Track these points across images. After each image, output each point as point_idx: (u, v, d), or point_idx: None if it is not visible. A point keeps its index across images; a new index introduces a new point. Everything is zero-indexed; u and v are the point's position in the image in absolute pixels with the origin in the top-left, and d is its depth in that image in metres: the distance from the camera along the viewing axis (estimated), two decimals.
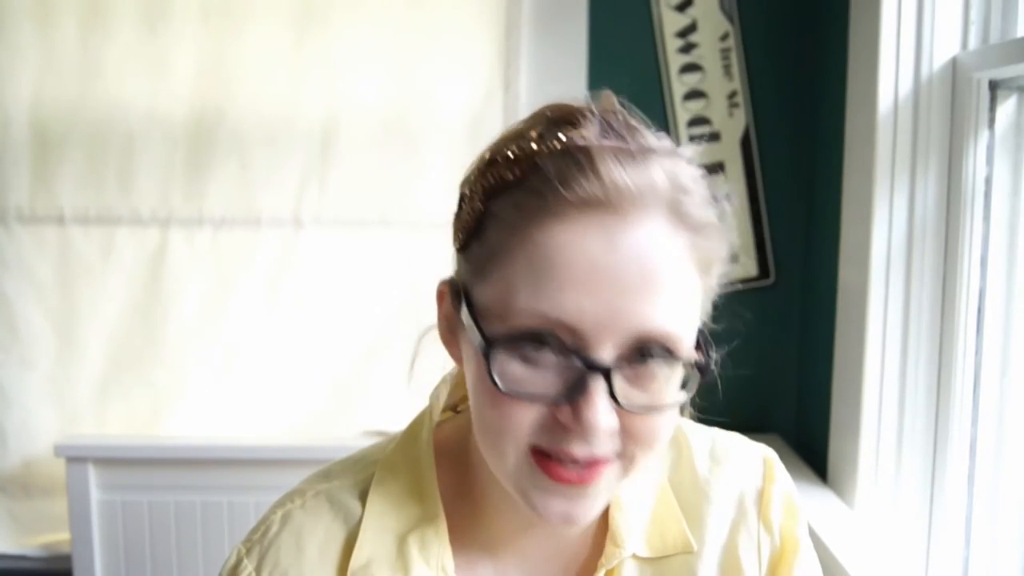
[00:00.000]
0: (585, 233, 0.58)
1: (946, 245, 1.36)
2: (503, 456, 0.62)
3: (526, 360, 0.59)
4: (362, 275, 1.80)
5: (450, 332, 0.68)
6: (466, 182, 0.67)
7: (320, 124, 1.77)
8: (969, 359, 1.32)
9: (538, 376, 0.59)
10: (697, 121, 1.75)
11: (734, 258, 0.67)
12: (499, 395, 0.59)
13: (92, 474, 1.74)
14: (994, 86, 1.29)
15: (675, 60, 1.74)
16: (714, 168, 1.76)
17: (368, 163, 1.78)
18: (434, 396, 0.76)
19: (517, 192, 0.61)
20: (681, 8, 1.73)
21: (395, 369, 1.80)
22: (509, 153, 0.62)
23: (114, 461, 1.75)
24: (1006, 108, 1.28)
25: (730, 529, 0.75)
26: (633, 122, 0.64)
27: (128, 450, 1.75)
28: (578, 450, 0.60)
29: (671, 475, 0.76)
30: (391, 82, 1.76)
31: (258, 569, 0.68)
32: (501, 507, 0.69)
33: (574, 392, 0.58)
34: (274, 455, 1.72)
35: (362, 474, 0.72)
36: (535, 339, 0.59)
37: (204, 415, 1.83)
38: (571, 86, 1.70)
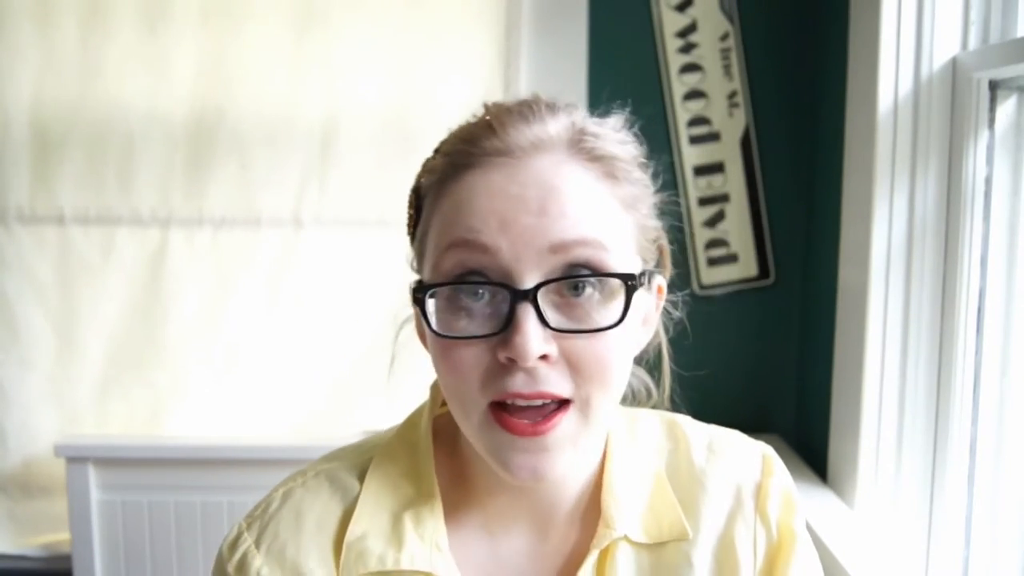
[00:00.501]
0: (487, 175, 0.64)
1: (946, 245, 1.36)
2: (468, 417, 0.65)
3: (461, 309, 0.63)
4: (362, 275, 1.80)
5: (419, 325, 0.72)
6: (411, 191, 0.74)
7: (320, 124, 1.77)
8: (969, 359, 1.32)
9: (472, 319, 0.63)
10: (697, 121, 1.75)
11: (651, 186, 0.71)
12: (444, 344, 0.63)
13: (92, 474, 1.74)
14: (994, 86, 1.29)
15: (675, 60, 1.74)
16: (714, 168, 1.76)
17: (368, 163, 1.78)
18: (434, 387, 0.78)
19: (436, 163, 0.68)
20: (681, 8, 1.73)
21: (395, 369, 1.80)
22: (442, 143, 0.70)
23: (114, 461, 1.75)
24: (1006, 108, 1.28)
25: (727, 520, 0.76)
26: (564, 103, 0.69)
27: (128, 450, 1.75)
28: (524, 387, 0.61)
29: (668, 465, 0.77)
30: (391, 82, 1.76)
31: (257, 542, 0.71)
32: (492, 488, 0.72)
33: (506, 324, 0.61)
34: (274, 455, 1.72)
35: (362, 457, 0.75)
36: (462, 278, 0.63)
37: (204, 415, 1.83)
38: (571, 86, 1.70)
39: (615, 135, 0.68)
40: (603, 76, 1.72)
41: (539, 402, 0.62)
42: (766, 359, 1.80)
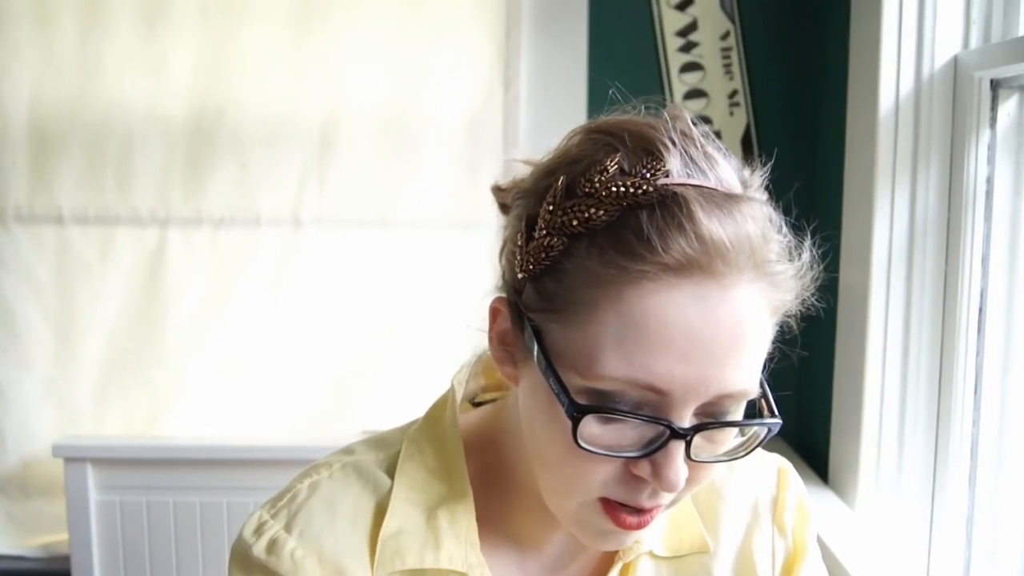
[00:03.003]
0: (681, 299, 0.56)
1: (947, 245, 1.35)
2: (568, 499, 0.63)
3: (607, 420, 0.58)
4: (361, 275, 1.80)
5: (506, 355, 0.66)
6: (527, 199, 0.64)
7: (319, 124, 1.77)
8: (970, 359, 1.32)
9: (617, 434, 0.59)
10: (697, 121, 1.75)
11: (800, 296, 0.66)
12: (577, 451, 0.59)
13: (90, 474, 1.73)
14: (995, 85, 1.28)
15: (675, 59, 1.74)
16: None
17: (368, 163, 1.78)
18: (457, 380, 0.76)
19: (606, 243, 0.58)
20: (682, 7, 1.73)
21: (395, 369, 1.80)
22: (592, 189, 0.59)
23: (113, 461, 1.74)
24: (1007, 107, 1.28)
25: (745, 533, 0.76)
26: (709, 148, 0.62)
27: (127, 450, 1.75)
28: (648, 502, 0.61)
29: None
30: (391, 82, 1.75)
31: (288, 527, 0.67)
32: (529, 505, 0.70)
33: (654, 451, 0.59)
34: (273, 455, 1.72)
35: (387, 451, 0.72)
36: (619, 401, 0.58)
37: (203, 415, 1.83)
38: (571, 86, 1.70)
39: (779, 239, 0.62)
40: (603, 76, 1.71)
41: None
42: (766, 359, 1.80)
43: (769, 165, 0.66)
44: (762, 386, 0.64)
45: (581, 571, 0.74)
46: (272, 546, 0.66)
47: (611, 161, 0.59)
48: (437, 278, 1.78)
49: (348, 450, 0.74)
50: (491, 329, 0.67)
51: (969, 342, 1.32)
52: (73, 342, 1.81)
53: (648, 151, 0.59)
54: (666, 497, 0.62)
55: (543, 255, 0.60)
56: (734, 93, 1.75)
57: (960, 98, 1.33)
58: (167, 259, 1.79)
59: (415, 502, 0.69)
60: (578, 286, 0.59)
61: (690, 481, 0.61)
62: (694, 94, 1.74)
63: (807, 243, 0.65)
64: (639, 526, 0.62)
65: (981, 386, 1.31)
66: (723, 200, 0.58)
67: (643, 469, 0.59)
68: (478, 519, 0.70)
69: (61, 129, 1.76)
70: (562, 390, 0.58)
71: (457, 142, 1.76)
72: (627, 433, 0.59)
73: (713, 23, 1.73)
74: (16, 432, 1.82)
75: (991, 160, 1.29)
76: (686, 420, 0.58)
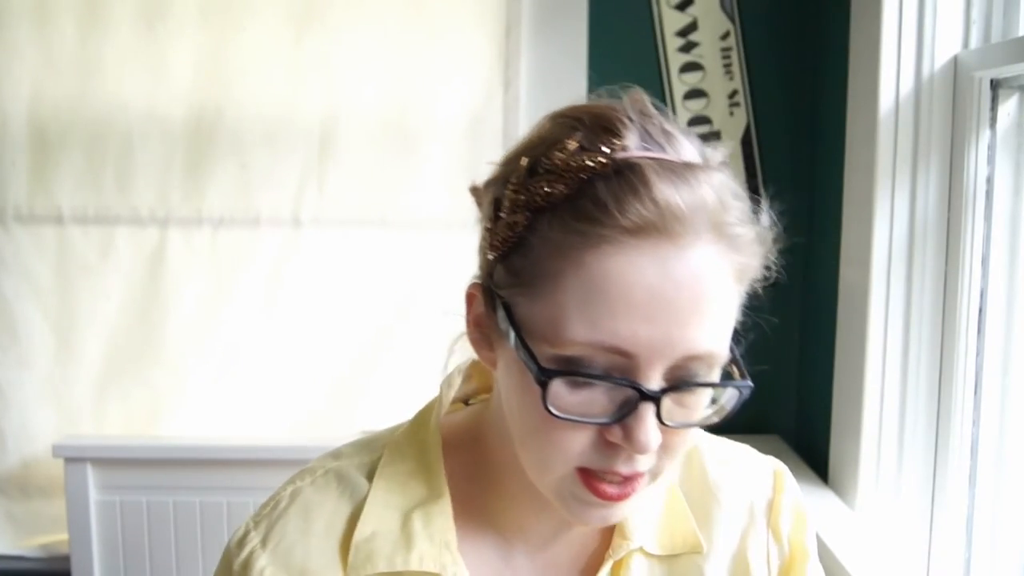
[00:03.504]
0: (640, 261, 0.58)
1: (947, 245, 1.35)
2: (548, 471, 0.63)
3: (577, 385, 0.60)
4: (361, 275, 1.80)
5: (482, 337, 0.68)
6: (495, 184, 0.66)
7: (319, 124, 1.77)
8: (970, 359, 1.32)
9: (588, 399, 0.60)
10: (698, 120, 1.75)
11: (767, 260, 0.67)
12: (550, 418, 0.60)
13: (90, 474, 1.73)
14: (995, 85, 1.28)
15: (675, 59, 1.74)
16: None
17: (367, 163, 1.77)
18: (445, 384, 0.77)
19: (567, 213, 0.60)
20: (682, 7, 1.73)
21: (394, 369, 1.80)
22: (553, 165, 0.61)
23: (112, 461, 1.74)
24: (1007, 107, 1.28)
25: (740, 536, 0.76)
26: (667, 126, 0.63)
27: (126, 450, 1.75)
28: (624, 468, 0.62)
29: (681, 477, 0.77)
30: (390, 82, 1.75)
31: (264, 541, 0.70)
32: (517, 496, 0.71)
33: (625, 415, 0.60)
34: (273, 455, 1.72)
35: (371, 455, 0.74)
36: (586, 366, 0.59)
37: (203, 415, 1.83)
38: (571, 86, 1.70)
39: (743, 206, 0.64)
40: (603, 76, 1.70)
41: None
42: (766, 359, 1.80)
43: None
44: (733, 352, 0.65)
45: (572, 565, 0.74)
46: (246, 563, 0.69)
47: (571, 139, 0.61)
48: (437, 278, 1.77)
49: (336, 454, 0.76)
50: (468, 315, 0.69)
51: (969, 342, 1.32)
52: (73, 342, 1.81)
53: (607, 128, 0.62)
54: (642, 463, 0.62)
55: (509, 232, 0.62)
56: (734, 93, 1.75)
57: (960, 98, 1.33)
58: (167, 259, 1.79)
59: (391, 505, 0.70)
60: (543, 258, 0.60)
61: (666, 449, 0.62)
62: (694, 94, 1.74)
63: (764, 207, 0.67)
64: (619, 497, 0.62)
65: (981, 386, 1.31)
66: (679, 168, 0.60)
67: (616, 435, 0.60)
68: (462, 517, 0.71)
69: (61, 129, 1.76)
70: (531, 358, 0.60)
71: (457, 142, 1.76)
72: (598, 399, 0.60)
73: (713, 23, 1.73)
74: (16, 432, 1.82)
75: (991, 160, 1.29)
76: (655, 383, 0.59)
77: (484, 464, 0.72)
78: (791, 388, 1.81)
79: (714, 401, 0.64)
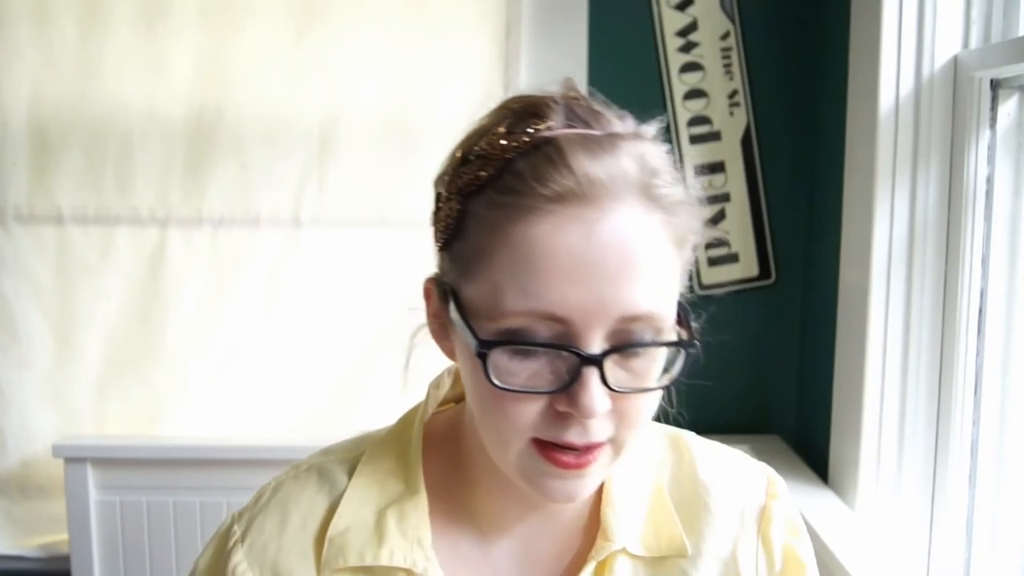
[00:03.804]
0: (563, 227, 0.59)
1: (947, 245, 1.35)
2: (506, 448, 0.64)
3: (519, 356, 0.61)
4: (361, 275, 1.80)
5: (440, 328, 0.70)
6: (440, 180, 0.69)
7: (319, 124, 1.77)
8: (970, 359, 1.32)
9: (533, 370, 0.61)
10: (697, 120, 1.75)
11: (706, 226, 0.69)
12: (498, 393, 0.61)
13: (90, 474, 1.73)
14: (995, 85, 1.28)
15: (675, 59, 1.74)
16: (715, 167, 1.76)
17: (367, 163, 1.77)
18: (433, 385, 0.79)
19: (492, 191, 0.62)
20: (682, 7, 1.73)
21: (394, 369, 1.79)
22: (480, 150, 0.64)
23: (112, 461, 1.74)
24: (1007, 107, 1.28)
25: (732, 542, 0.75)
26: (596, 106, 0.65)
27: (126, 450, 1.75)
28: (577, 438, 0.62)
29: (670, 480, 0.77)
30: (390, 82, 1.75)
31: (243, 535, 0.72)
32: (494, 491, 0.71)
33: (569, 383, 0.60)
34: (273, 455, 1.71)
35: (354, 452, 0.75)
36: (526, 337, 0.60)
37: (203, 415, 1.83)
38: None
39: (672, 168, 0.65)
40: (603, 76, 1.71)
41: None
42: (766, 359, 1.80)
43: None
44: (684, 318, 0.66)
45: (555, 564, 0.73)
46: (227, 557, 0.71)
47: (500, 126, 0.64)
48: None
49: (325, 450, 0.77)
50: (427, 310, 0.71)
51: (969, 342, 1.32)
52: (73, 342, 1.80)
53: (533, 112, 0.64)
54: (596, 432, 0.62)
55: (448, 221, 0.65)
56: (734, 93, 1.75)
57: (960, 98, 1.33)
58: (167, 259, 1.79)
59: (368, 501, 0.71)
60: (477, 238, 0.63)
61: (621, 417, 0.63)
62: (694, 94, 1.74)
63: (690, 173, 0.68)
64: (578, 466, 0.63)
65: (981, 386, 1.31)
66: (600, 139, 0.62)
67: (563, 403, 0.61)
68: (442, 514, 0.72)
69: (61, 129, 1.75)
70: (471, 333, 0.62)
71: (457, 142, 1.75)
72: (543, 370, 0.61)
73: (713, 23, 1.73)
74: (16, 432, 1.82)
75: (991, 160, 1.29)
76: (596, 347, 0.60)
77: (463, 461, 0.73)
78: (791, 388, 1.81)
79: (668, 370, 0.64)
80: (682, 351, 0.64)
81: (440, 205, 0.67)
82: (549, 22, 1.73)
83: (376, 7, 1.74)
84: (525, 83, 1.73)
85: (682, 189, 0.65)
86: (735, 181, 1.76)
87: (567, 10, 1.72)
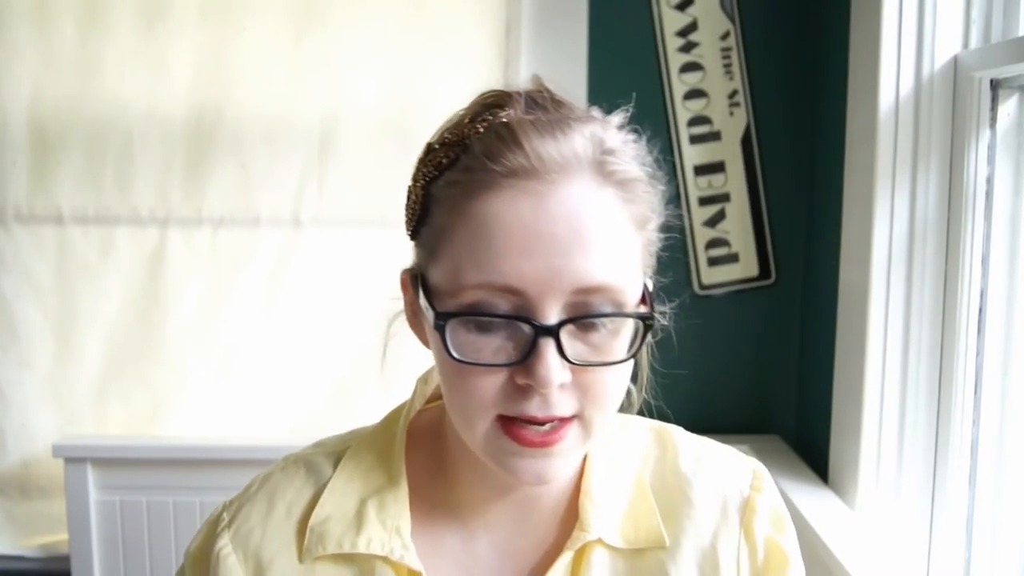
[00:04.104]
0: (515, 200, 0.62)
1: (947, 245, 1.35)
2: (473, 427, 0.65)
3: (479, 330, 0.63)
4: (361, 275, 1.80)
5: (415, 318, 0.72)
6: (412, 174, 0.72)
7: (319, 124, 1.77)
8: (970, 359, 1.32)
9: (494, 346, 0.63)
10: (697, 120, 1.75)
11: (666, 210, 0.70)
12: (460, 367, 0.63)
13: (90, 474, 1.73)
14: (995, 85, 1.28)
15: (675, 59, 1.74)
16: (715, 167, 1.76)
17: (367, 163, 1.77)
18: (421, 381, 0.81)
19: (452, 172, 0.65)
20: (682, 7, 1.73)
21: (394, 368, 1.80)
22: (443, 140, 0.67)
23: (112, 461, 1.74)
24: (1007, 107, 1.28)
25: (712, 534, 0.75)
26: (559, 97, 0.68)
27: (126, 450, 1.75)
28: (538, 411, 0.63)
29: (653, 473, 0.77)
30: (390, 82, 1.75)
31: (231, 521, 0.76)
32: (475, 483, 0.73)
33: (527, 354, 0.62)
34: (273, 455, 1.70)
35: (341, 446, 0.78)
36: (483, 309, 0.62)
37: (203, 415, 1.83)
38: (571, 86, 1.69)
39: (631, 150, 0.67)
40: (603, 76, 1.71)
41: (548, 425, 0.64)
42: (766, 359, 1.80)
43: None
44: (646, 295, 0.67)
45: (534, 553, 0.74)
46: (214, 542, 0.75)
47: (466, 117, 0.67)
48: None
49: (318, 443, 0.80)
50: (404, 301, 0.73)
51: (969, 342, 1.32)
52: (73, 342, 1.81)
53: (496, 103, 0.67)
54: (558, 406, 0.63)
55: (414, 208, 0.69)
56: (734, 93, 1.75)
57: (960, 98, 1.33)
58: (167, 259, 1.79)
59: (350, 492, 0.73)
60: (438, 219, 0.66)
61: (585, 392, 0.64)
62: (694, 94, 1.74)
63: (645, 147, 0.69)
64: (543, 443, 0.63)
65: (981, 386, 1.31)
66: (556, 121, 0.64)
67: (522, 375, 0.62)
68: (424, 505, 0.73)
69: (61, 129, 1.76)
70: (430, 307, 0.64)
71: None
72: (503, 344, 0.62)
73: (713, 23, 1.73)
74: (16, 432, 1.82)
75: (991, 160, 1.29)
76: (552, 318, 0.62)
77: (446, 456, 0.74)
78: (791, 388, 1.81)
79: (633, 346, 0.65)
80: (644, 328, 0.65)
81: (409, 195, 0.70)
82: (549, 22, 1.73)
83: (376, 7, 1.74)
84: (525, 83, 1.73)
85: (638, 168, 0.66)
86: (735, 181, 1.76)
87: (567, 10, 1.72)
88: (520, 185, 0.62)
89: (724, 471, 0.77)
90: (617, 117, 0.69)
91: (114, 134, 1.76)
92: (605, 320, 0.63)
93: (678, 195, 1.75)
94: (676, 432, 0.80)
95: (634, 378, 0.81)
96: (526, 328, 0.62)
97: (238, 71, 1.75)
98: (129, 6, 1.73)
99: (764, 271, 1.78)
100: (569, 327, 0.62)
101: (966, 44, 1.33)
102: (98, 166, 1.77)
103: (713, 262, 1.77)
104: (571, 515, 0.74)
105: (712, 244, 1.77)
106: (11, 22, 1.73)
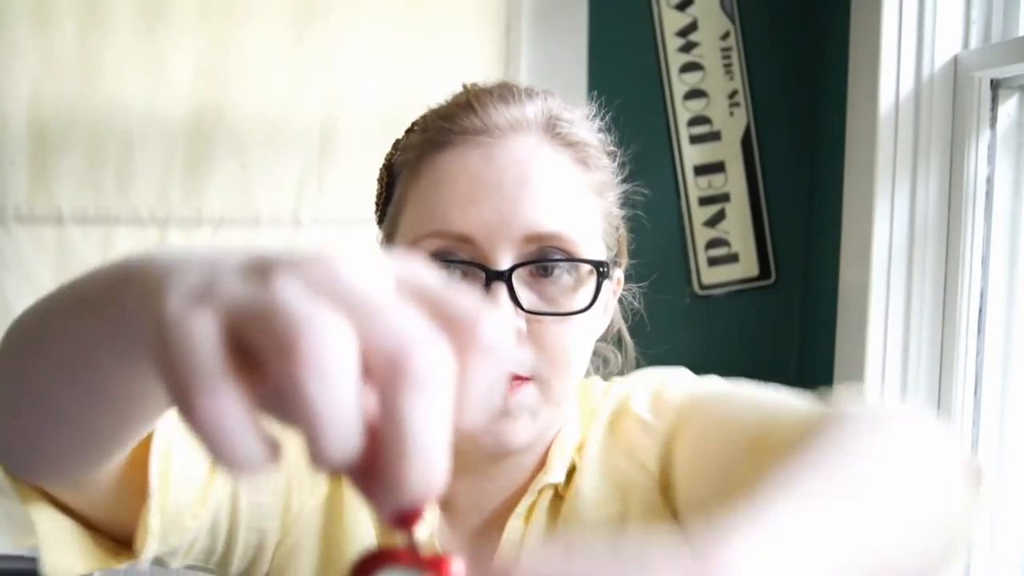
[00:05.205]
0: (465, 153, 0.65)
1: (947, 245, 1.35)
2: None
3: None
4: None
5: None
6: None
7: (319, 123, 1.77)
8: (970, 359, 1.32)
9: None
10: (697, 120, 1.75)
11: (624, 182, 0.74)
12: None
13: None
14: (995, 85, 1.28)
15: (675, 59, 1.74)
16: (715, 168, 1.76)
17: (367, 162, 1.76)
18: None
19: (409, 137, 0.69)
20: (682, 7, 1.73)
21: None
22: (415, 124, 0.71)
23: None
24: (1007, 107, 1.28)
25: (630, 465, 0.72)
26: (531, 88, 0.71)
27: None
28: None
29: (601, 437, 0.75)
30: (390, 81, 1.75)
31: None
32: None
33: None
34: None
35: None
36: (438, 260, 0.64)
37: None
38: (571, 86, 1.70)
39: (586, 122, 0.71)
40: (603, 75, 1.71)
41: None
42: (766, 359, 1.80)
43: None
44: (609, 262, 0.68)
45: (502, 494, 0.73)
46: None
47: (438, 105, 0.71)
48: None
49: None
50: None
51: (969, 342, 1.32)
52: None
53: (475, 91, 0.70)
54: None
55: (381, 188, 0.73)
56: (734, 93, 1.75)
57: (960, 98, 1.33)
58: None
59: None
60: (398, 189, 0.69)
61: (541, 348, 0.64)
62: (694, 94, 1.74)
63: (595, 117, 0.73)
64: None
65: (981, 386, 1.31)
66: (514, 91, 0.68)
67: None
68: None
69: (61, 129, 1.75)
70: None
71: None
72: None
73: (713, 23, 1.73)
74: None
75: (991, 160, 1.29)
76: (503, 264, 0.63)
77: None
78: (791, 388, 1.81)
79: (593, 301, 0.66)
80: (599, 278, 0.65)
81: (377, 184, 0.74)
82: (549, 21, 1.73)
83: (376, 7, 1.74)
84: (525, 83, 1.74)
85: (590, 134, 0.69)
86: (735, 181, 1.76)
87: (567, 9, 1.72)
88: (471, 140, 0.65)
89: (623, 391, 0.75)
90: (581, 108, 0.72)
91: (114, 134, 1.76)
92: (561, 273, 0.65)
93: (678, 195, 1.75)
94: (635, 396, 0.75)
95: (621, 355, 0.82)
96: (479, 274, 0.63)
97: (238, 71, 1.75)
98: (129, 6, 1.73)
99: (764, 271, 1.78)
100: (522, 275, 0.63)
101: (966, 44, 1.34)
102: (98, 166, 1.77)
103: (713, 262, 1.77)
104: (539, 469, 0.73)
105: (712, 244, 1.77)
106: (11, 22, 1.73)
